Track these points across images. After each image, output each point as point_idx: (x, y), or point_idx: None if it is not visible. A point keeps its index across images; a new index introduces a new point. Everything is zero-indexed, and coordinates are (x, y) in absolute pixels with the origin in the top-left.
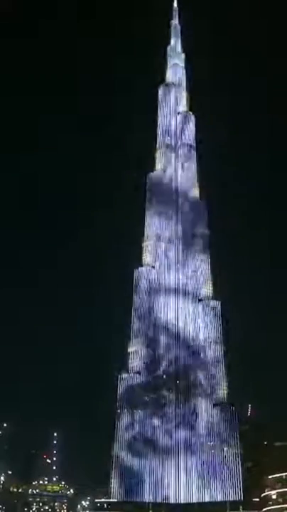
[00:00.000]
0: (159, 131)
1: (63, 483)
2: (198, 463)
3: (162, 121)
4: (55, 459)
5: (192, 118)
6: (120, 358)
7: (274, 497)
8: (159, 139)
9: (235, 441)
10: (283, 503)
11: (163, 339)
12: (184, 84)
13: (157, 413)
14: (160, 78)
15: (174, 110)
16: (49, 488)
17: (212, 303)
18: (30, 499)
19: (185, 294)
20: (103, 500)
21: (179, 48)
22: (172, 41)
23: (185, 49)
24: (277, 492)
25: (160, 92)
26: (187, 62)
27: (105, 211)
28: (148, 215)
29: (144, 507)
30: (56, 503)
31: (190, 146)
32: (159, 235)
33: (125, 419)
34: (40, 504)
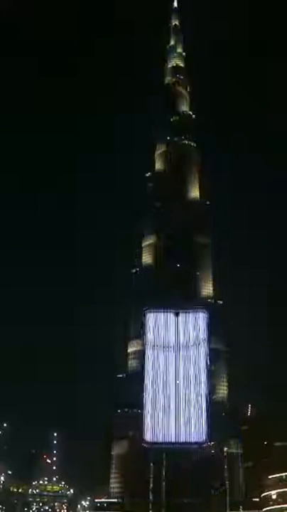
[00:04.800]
0: (159, 131)
1: (63, 483)
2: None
3: (162, 121)
4: (55, 459)
5: (193, 118)
6: (120, 358)
7: (274, 497)
8: (159, 139)
9: (235, 441)
10: (283, 503)
11: (162, 339)
12: (184, 84)
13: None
14: (160, 78)
15: (174, 111)
16: (49, 488)
17: (213, 303)
18: (30, 499)
19: (186, 294)
20: (103, 500)
21: (179, 48)
22: (172, 41)
23: (185, 49)
24: (277, 492)
25: (160, 92)
26: (188, 62)
27: (105, 211)
28: (147, 216)
29: (144, 507)
30: (56, 503)
31: (190, 146)
32: (159, 235)
33: (125, 419)
34: (40, 504)
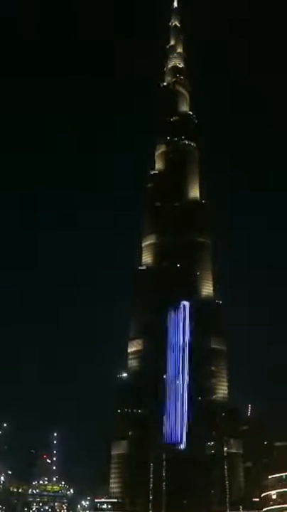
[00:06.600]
0: (159, 131)
1: (63, 483)
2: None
3: (162, 121)
4: (55, 459)
5: (193, 118)
6: (120, 358)
7: (274, 497)
8: (159, 139)
9: (235, 441)
10: (283, 503)
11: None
12: (184, 84)
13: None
14: (160, 78)
15: (174, 111)
16: (49, 488)
17: (213, 302)
18: (30, 499)
19: (186, 294)
20: (103, 500)
21: (179, 48)
22: (172, 41)
23: (185, 49)
24: (277, 492)
25: (160, 92)
26: (187, 62)
27: (105, 211)
28: (147, 216)
29: (144, 507)
30: (56, 503)
31: (190, 146)
32: (159, 235)
33: (125, 419)
34: (40, 504)
